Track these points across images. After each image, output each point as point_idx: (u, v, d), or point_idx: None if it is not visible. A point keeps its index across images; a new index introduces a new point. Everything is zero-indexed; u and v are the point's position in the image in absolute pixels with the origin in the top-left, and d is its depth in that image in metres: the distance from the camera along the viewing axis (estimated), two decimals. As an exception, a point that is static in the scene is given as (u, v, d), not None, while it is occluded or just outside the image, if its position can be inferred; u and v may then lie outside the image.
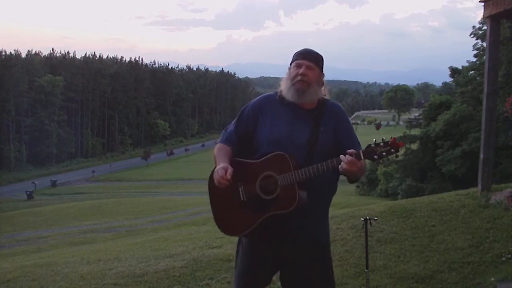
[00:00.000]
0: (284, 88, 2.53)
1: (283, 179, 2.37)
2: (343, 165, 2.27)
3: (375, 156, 2.29)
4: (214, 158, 2.57)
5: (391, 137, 2.31)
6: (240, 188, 2.47)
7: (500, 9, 6.32)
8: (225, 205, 2.54)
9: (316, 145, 2.44)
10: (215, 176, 2.42)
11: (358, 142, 2.54)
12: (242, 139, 2.58)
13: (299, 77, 2.46)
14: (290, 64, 2.56)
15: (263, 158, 2.45)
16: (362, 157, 2.28)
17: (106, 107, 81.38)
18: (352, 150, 2.29)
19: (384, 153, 2.28)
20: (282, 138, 2.45)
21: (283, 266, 2.56)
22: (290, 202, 2.35)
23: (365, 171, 2.38)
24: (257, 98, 2.69)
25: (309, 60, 2.50)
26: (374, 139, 2.34)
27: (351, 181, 2.48)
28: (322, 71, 2.55)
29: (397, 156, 2.35)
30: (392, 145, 2.28)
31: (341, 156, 2.29)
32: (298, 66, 2.49)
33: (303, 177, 2.34)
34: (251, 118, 2.58)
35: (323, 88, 2.56)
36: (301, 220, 2.44)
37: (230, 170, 2.39)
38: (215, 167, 2.50)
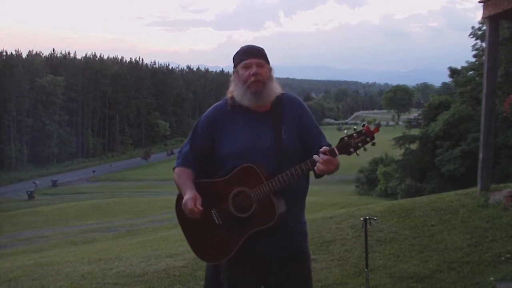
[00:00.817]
0: (237, 94, 2.31)
1: (257, 192, 2.20)
2: (319, 166, 2.11)
3: (350, 149, 2.12)
4: (177, 185, 2.36)
5: (363, 125, 2.13)
6: (212, 211, 2.29)
7: (499, 10, 6.33)
8: (201, 232, 2.34)
9: (282, 147, 2.27)
10: (185, 208, 2.22)
11: (323, 134, 2.41)
12: (200, 158, 2.38)
13: (252, 78, 2.26)
14: (235, 66, 2.35)
15: (230, 174, 2.26)
16: (337, 153, 2.12)
17: (106, 107, 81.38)
18: (325, 147, 2.13)
19: (359, 144, 2.11)
20: (246, 149, 2.26)
21: (266, 280, 2.40)
22: (270, 216, 2.19)
23: (339, 166, 2.17)
24: (208, 111, 2.44)
25: (257, 57, 2.31)
26: (345, 131, 2.20)
27: (319, 176, 2.28)
28: (270, 65, 2.36)
29: (373, 144, 2.15)
30: (367, 134, 2.10)
31: (315, 157, 2.13)
32: (247, 66, 2.28)
33: (277, 186, 2.18)
34: (206, 133, 2.37)
35: (275, 83, 2.36)
36: (280, 231, 2.28)
37: (199, 200, 2.21)
38: (180, 196, 2.32)
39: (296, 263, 2.38)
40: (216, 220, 2.29)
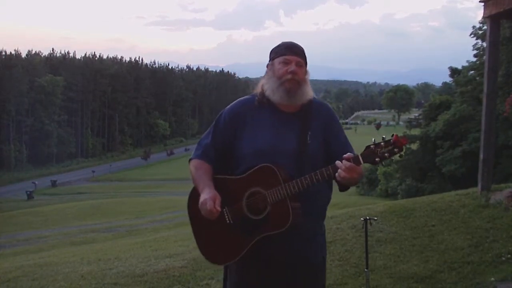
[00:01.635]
0: (268, 88, 2.20)
1: (273, 194, 2.09)
2: (341, 173, 1.99)
3: (376, 159, 1.98)
4: (193, 178, 2.25)
5: (393, 135, 2.00)
6: (224, 210, 2.17)
7: (500, 9, 6.32)
8: (209, 231, 2.24)
9: (305, 152, 2.16)
10: (203, 208, 2.12)
11: (350, 145, 2.30)
12: (220, 152, 2.27)
13: (289, 76, 2.15)
14: (273, 59, 2.23)
15: (247, 173, 2.15)
16: (362, 161, 2.00)
17: (106, 107, 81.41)
18: (349, 154, 2.02)
19: (386, 154, 1.97)
20: (267, 149, 2.15)
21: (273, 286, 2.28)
22: (284, 220, 2.08)
23: (363, 176, 2.06)
24: (232, 104, 2.33)
25: (299, 56, 2.20)
26: (373, 139, 2.04)
27: (343, 189, 2.20)
28: (307, 67, 2.26)
29: (401, 156, 1.99)
30: (395, 144, 1.97)
31: (337, 163, 2.00)
32: (287, 62, 2.17)
33: (295, 190, 2.07)
34: (229, 128, 2.25)
35: (309, 86, 2.25)
36: (293, 239, 2.18)
37: (218, 200, 2.11)
38: (195, 191, 2.23)
39: (309, 272, 2.26)
40: (227, 219, 2.18)
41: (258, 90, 2.28)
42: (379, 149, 1.99)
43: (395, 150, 1.97)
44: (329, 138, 2.25)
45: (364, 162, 2.00)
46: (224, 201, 2.16)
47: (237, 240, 2.17)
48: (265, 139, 2.17)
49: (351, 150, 2.21)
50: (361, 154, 2.01)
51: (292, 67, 2.16)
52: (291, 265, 2.23)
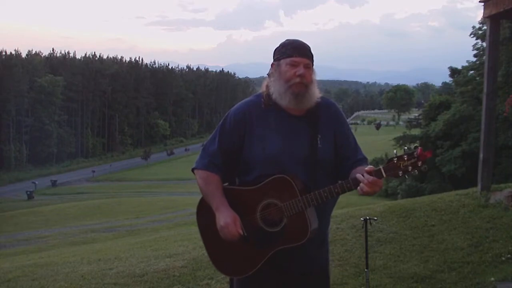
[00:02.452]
0: (275, 91, 2.10)
1: (290, 207, 2.02)
2: (363, 187, 1.91)
3: (399, 173, 1.89)
4: (203, 192, 2.18)
5: (416, 147, 1.90)
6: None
7: (499, 9, 6.32)
8: (221, 243, 2.15)
9: (317, 157, 2.09)
10: (223, 231, 2.07)
11: (358, 145, 2.25)
12: (227, 158, 2.17)
13: (297, 79, 2.05)
14: (279, 59, 2.11)
15: (260, 184, 2.07)
16: (384, 175, 1.91)
17: (106, 107, 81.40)
18: (370, 167, 1.93)
19: (409, 168, 1.88)
20: (278, 155, 2.07)
21: None
22: (302, 234, 2.02)
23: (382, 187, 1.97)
24: (238, 106, 2.21)
25: (307, 57, 2.09)
26: (395, 151, 1.98)
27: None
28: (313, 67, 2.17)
29: (425, 169, 1.89)
30: (419, 158, 1.87)
31: (359, 176, 1.93)
32: (294, 65, 2.06)
33: (313, 203, 2.00)
34: (236, 130, 2.15)
35: (316, 86, 2.16)
36: (308, 246, 2.11)
37: (238, 221, 2.06)
38: (204, 204, 2.18)
39: (317, 278, 2.24)
40: (241, 231, 2.10)
41: (262, 89, 2.19)
42: (401, 162, 1.90)
43: (419, 164, 1.88)
44: (339, 141, 2.17)
45: (386, 176, 1.92)
46: (237, 213, 2.09)
47: (251, 252, 2.10)
48: (274, 145, 2.09)
49: (360, 153, 2.19)
50: (383, 167, 1.92)
51: (301, 70, 2.06)
52: (306, 273, 2.20)
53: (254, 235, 2.09)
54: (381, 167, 1.93)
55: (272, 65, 2.16)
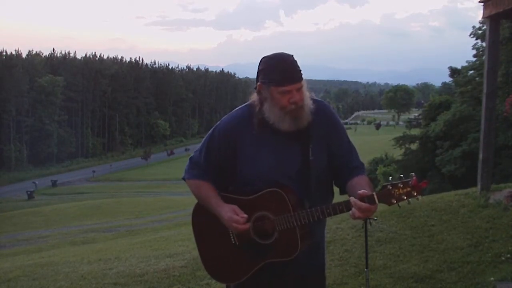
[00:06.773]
0: (272, 117, 2.03)
1: (282, 222, 2.03)
2: (355, 213, 1.90)
3: (393, 200, 1.90)
4: (198, 197, 2.21)
5: (411, 176, 1.91)
6: (230, 231, 2.13)
7: (499, 10, 6.32)
8: (215, 248, 2.20)
9: (309, 170, 2.08)
10: (230, 224, 2.06)
11: (354, 150, 2.22)
12: (216, 170, 2.18)
13: (293, 106, 2.00)
14: (267, 84, 2.01)
15: (254, 196, 2.08)
16: (377, 202, 1.90)
17: (106, 107, 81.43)
18: (363, 191, 1.91)
19: (404, 196, 1.89)
20: (271, 171, 2.07)
21: None
22: (291, 250, 2.04)
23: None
24: (226, 119, 2.17)
25: (297, 82, 2.01)
26: (390, 177, 1.99)
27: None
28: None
29: (418, 199, 1.91)
30: (414, 187, 1.89)
31: (352, 200, 1.92)
32: (286, 93, 1.99)
33: (305, 221, 2.01)
34: (224, 146, 2.13)
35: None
36: (305, 250, 2.13)
37: (238, 209, 2.07)
38: (199, 208, 2.21)
39: (313, 282, 2.26)
40: (233, 239, 2.13)
41: (253, 102, 2.12)
42: (396, 190, 1.90)
43: (414, 193, 1.89)
44: (332, 149, 2.15)
45: (379, 202, 1.91)
46: None
47: (242, 261, 2.13)
48: (266, 163, 2.08)
49: (355, 160, 2.18)
50: (377, 194, 1.91)
51: (294, 97, 2.00)
52: (301, 277, 2.21)
53: (245, 245, 2.11)
54: (374, 193, 1.91)
55: (260, 85, 2.05)
